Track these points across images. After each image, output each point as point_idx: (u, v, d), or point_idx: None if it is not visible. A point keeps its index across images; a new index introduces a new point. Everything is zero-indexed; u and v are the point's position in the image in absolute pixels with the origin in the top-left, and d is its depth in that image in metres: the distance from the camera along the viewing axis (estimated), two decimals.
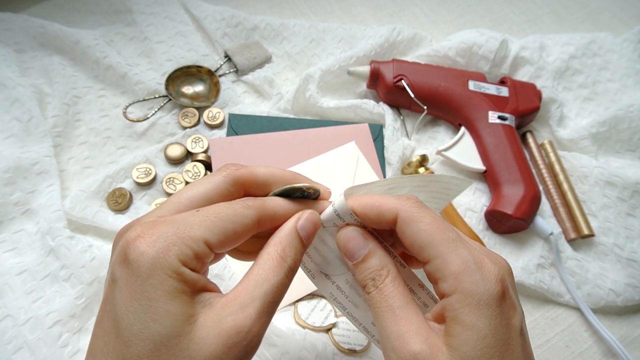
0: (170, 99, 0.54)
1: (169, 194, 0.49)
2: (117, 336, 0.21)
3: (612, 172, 0.52)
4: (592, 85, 0.62)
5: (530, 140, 0.56)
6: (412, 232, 0.25)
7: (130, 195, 0.48)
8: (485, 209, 0.51)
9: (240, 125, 0.53)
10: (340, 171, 0.50)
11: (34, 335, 0.39)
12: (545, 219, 0.51)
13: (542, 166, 0.54)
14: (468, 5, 0.70)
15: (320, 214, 0.28)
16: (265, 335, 0.39)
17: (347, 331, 0.43)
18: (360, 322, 0.29)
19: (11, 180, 0.45)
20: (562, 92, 0.61)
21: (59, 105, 0.51)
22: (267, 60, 0.60)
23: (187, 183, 0.49)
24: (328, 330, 0.43)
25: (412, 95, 0.54)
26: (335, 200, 0.27)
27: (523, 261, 0.48)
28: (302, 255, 0.27)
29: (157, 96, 0.54)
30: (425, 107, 0.54)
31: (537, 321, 0.47)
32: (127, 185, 0.48)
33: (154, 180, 0.49)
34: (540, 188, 0.53)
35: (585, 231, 0.50)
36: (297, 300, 0.44)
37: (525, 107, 0.55)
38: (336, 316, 0.43)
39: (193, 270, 0.22)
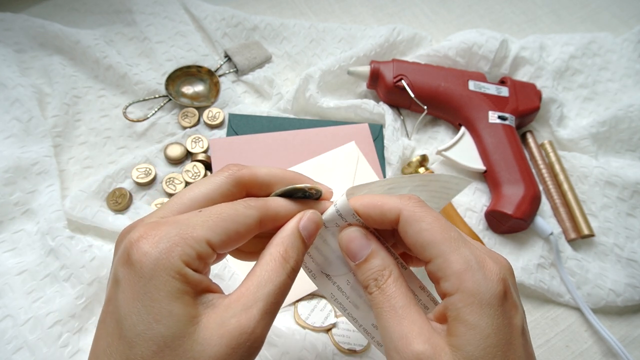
0: (170, 99, 0.54)
1: (169, 194, 0.49)
2: (121, 337, 0.21)
3: (612, 172, 0.52)
4: (592, 85, 0.62)
5: (530, 140, 0.56)
6: (415, 231, 0.25)
7: (130, 195, 0.48)
8: (485, 209, 0.51)
9: (240, 125, 0.53)
10: (340, 171, 0.50)
11: (34, 335, 0.39)
12: (545, 219, 0.51)
13: (542, 166, 0.54)
14: (468, 5, 0.70)
15: (322, 214, 0.28)
16: None
17: (347, 331, 0.43)
18: (360, 324, 0.29)
19: (11, 180, 0.45)
20: (562, 92, 0.61)
21: (59, 105, 0.51)
22: (267, 60, 0.60)
23: (187, 183, 0.49)
24: (328, 330, 0.43)
25: (412, 95, 0.54)
26: (337, 201, 0.27)
27: (523, 261, 0.48)
28: (304, 255, 0.27)
29: (157, 96, 0.54)
30: (425, 107, 0.54)
31: (537, 321, 0.47)
32: (127, 185, 0.48)
33: (154, 180, 0.49)
34: (540, 188, 0.53)
35: (585, 231, 0.50)
36: (297, 300, 0.44)
37: (525, 107, 0.55)
38: (336, 316, 0.43)
39: (196, 270, 0.22)
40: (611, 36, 0.65)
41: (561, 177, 0.53)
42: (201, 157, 0.50)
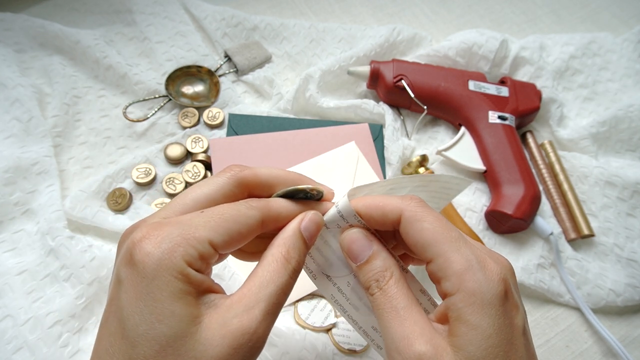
0: (170, 99, 0.54)
1: (169, 194, 0.49)
2: (123, 337, 0.21)
3: (612, 172, 0.52)
4: (592, 85, 0.62)
5: (530, 140, 0.56)
6: (416, 231, 0.25)
7: (130, 195, 0.48)
8: (485, 209, 0.51)
9: (240, 125, 0.53)
10: (340, 171, 0.50)
11: (34, 335, 0.39)
12: (545, 219, 0.51)
13: (542, 166, 0.54)
14: (468, 5, 0.70)
15: (323, 215, 0.28)
16: None
17: (347, 331, 0.43)
18: (360, 326, 0.29)
19: (11, 180, 0.45)
20: (562, 92, 0.61)
21: (59, 105, 0.51)
22: (267, 60, 0.60)
23: (187, 183, 0.49)
24: (328, 330, 0.43)
25: (412, 95, 0.54)
26: (339, 202, 0.27)
27: (523, 261, 0.48)
28: (306, 256, 0.27)
29: (157, 96, 0.54)
30: (425, 107, 0.54)
31: (537, 321, 0.47)
32: (127, 185, 0.48)
33: (154, 180, 0.49)
34: (540, 188, 0.53)
35: (585, 231, 0.50)
36: (297, 300, 0.44)
37: (525, 107, 0.55)
38: (336, 316, 0.43)
39: (198, 271, 0.22)
40: (611, 36, 0.65)
41: (561, 177, 0.53)
42: (201, 157, 0.50)
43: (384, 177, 0.51)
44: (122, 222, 0.45)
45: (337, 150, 0.51)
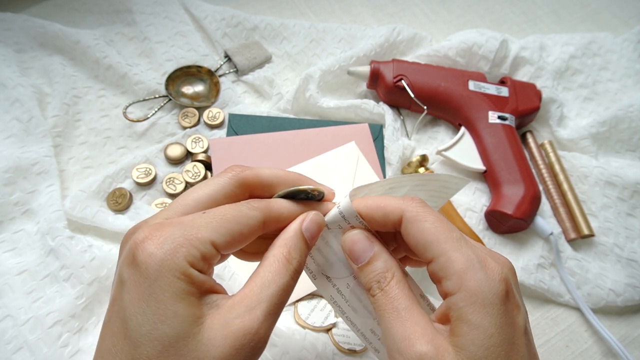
0: (170, 99, 0.54)
1: (169, 194, 0.49)
2: (126, 337, 0.21)
3: (612, 172, 0.52)
4: (592, 85, 0.62)
5: (530, 140, 0.56)
6: (417, 230, 0.25)
7: (130, 195, 0.48)
8: (485, 209, 0.51)
9: (240, 125, 0.53)
10: (340, 171, 0.50)
11: (34, 335, 0.39)
12: (545, 219, 0.51)
13: (542, 166, 0.54)
14: (468, 5, 0.70)
15: (324, 215, 0.28)
16: None
17: (347, 331, 0.43)
18: (358, 328, 0.29)
19: (11, 180, 0.45)
20: (562, 92, 0.61)
21: (59, 105, 0.51)
22: (267, 60, 0.60)
23: (187, 183, 0.49)
24: (328, 330, 0.43)
25: (412, 95, 0.54)
26: (340, 202, 0.27)
27: (523, 261, 0.48)
28: (307, 256, 0.27)
29: (157, 96, 0.54)
30: (425, 107, 0.54)
31: (537, 321, 0.47)
32: (127, 185, 0.48)
33: (154, 180, 0.49)
34: (540, 188, 0.53)
35: (585, 231, 0.50)
36: (297, 300, 0.44)
37: (525, 107, 0.55)
38: (336, 316, 0.43)
39: (200, 271, 0.22)
40: (611, 36, 0.65)
41: (561, 177, 0.53)
42: (201, 157, 0.50)
43: (384, 177, 0.51)
44: (122, 222, 0.45)
45: (337, 150, 0.51)
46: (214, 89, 0.56)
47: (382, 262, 0.26)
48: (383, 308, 0.25)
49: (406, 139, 0.54)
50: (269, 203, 0.26)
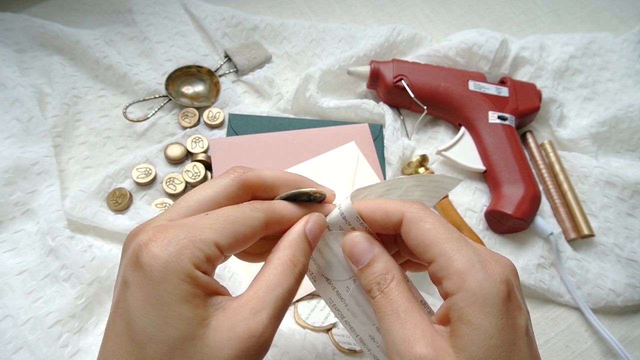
0: (170, 99, 0.54)
1: (169, 194, 0.49)
2: (131, 339, 0.21)
3: (612, 172, 0.52)
4: (592, 85, 0.62)
5: (530, 140, 0.56)
6: (418, 231, 0.25)
7: (130, 195, 0.48)
8: (485, 209, 0.51)
9: (240, 125, 0.53)
10: (340, 171, 0.50)
11: (34, 335, 0.39)
12: (545, 219, 0.51)
13: (542, 166, 0.54)
14: (468, 5, 0.70)
15: (325, 216, 0.28)
16: None
17: None
18: (357, 333, 0.29)
19: (11, 180, 0.45)
20: (562, 92, 0.61)
21: (59, 105, 0.51)
22: (267, 60, 0.60)
23: (187, 183, 0.49)
24: (328, 330, 0.43)
25: (412, 95, 0.54)
26: (342, 204, 0.27)
27: (523, 261, 0.48)
28: (310, 258, 0.27)
29: (157, 96, 0.54)
30: (425, 107, 0.54)
31: (537, 321, 0.47)
32: (127, 185, 0.48)
33: (154, 180, 0.49)
34: (540, 188, 0.53)
35: (585, 231, 0.50)
36: (297, 300, 0.44)
37: (525, 107, 0.55)
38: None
39: (204, 272, 0.23)
40: (611, 36, 0.65)
41: (561, 177, 0.53)
42: (201, 157, 0.50)
43: (384, 177, 0.51)
44: (122, 222, 0.45)
45: (337, 150, 0.51)
46: (214, 89, 0.56)
47: (382, 263, 0.26)
48: (383, 310, 0.25)
49: (406, 139, 0.54)
50: (272, 205, 0.26)
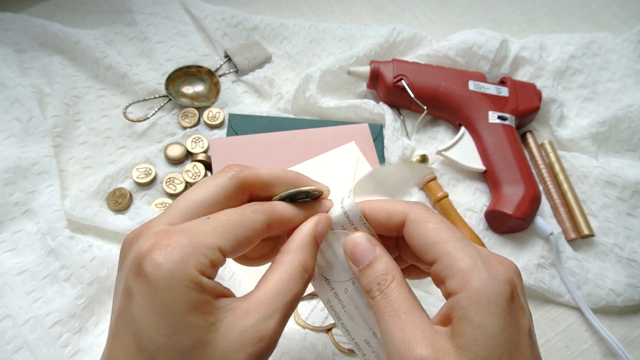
0: (170, 99, 0.54)
1: (169, 194, 0.49)
2: (139, 349, 0.21)
3: (612, 172, 0.52)
4: (592, 85, 0.62)
5: (530, 140, 0.56)
6: (421, 231, 0.25)
7: (130, 195, 0.48)
8: (485, 209, 0.51)
9: (240, 125, 0.53)
10: (340, 171, 0.50)
11: (34, 335, 0.39)
12: (545, 219, 0.51)
13: (542, 166, 0.54)
14: (468, 5, 0.70)
15: (326, 214, 0.28)
16: None
17: None
18: (352, 337, 0.29)
19: (11, 180, 0.45)
20: (562, 92, 0.61)
21: (59, 105, 0.51)
22: (267, 60, 0.60)
23: (187, 183, 0.49)
24: (328, 330, 0.43)
25: (412, 95, 0.54)
26: (345, 203, 0.27)
27: (523, 261, 0.48)
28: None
29: (157, 96, 0.54)
30: (425, 107, 0.54)
31: (537, 321, 0.47)
32: (127, 185, 0.48)
33: (154, 180, 0.49)
34: (540, 188, 0.53)
35: (585, 231, 0.50)
36: None
37: (525, 107, 0.55)
38: None
39: (208, 277, 0.22)
40: (611, 36, 0.65)
41: (561, 177, 0.53)
42: (201, 157, 0.50)
43: None
44: (122, 222, 0.45)
45: (337, 150, 0.51)
46: (214, 89, 0.56)
47: (383, 264, 0.26)
48: (383, 311, 0.25)
49: (406, 139, 0.54)
50: (272, 206, 0.26)
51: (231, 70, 0.58)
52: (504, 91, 0.55)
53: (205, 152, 0.51)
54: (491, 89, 0.55)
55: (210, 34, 0.60)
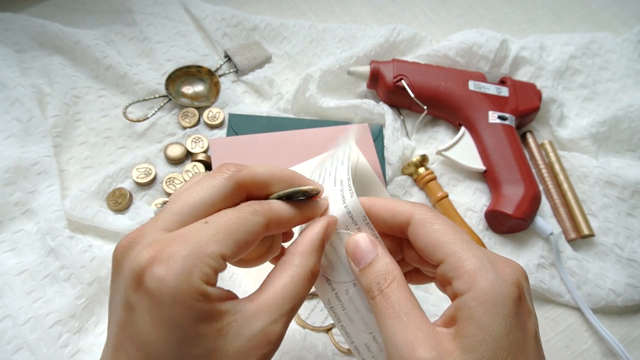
0: (170, 99, 0.54)
1: (169, 194, 0.49)
2: None
3: (612, 172, 0.52)
4: (592, 85, 0.62)
5: (530, 140, 0.56)
6: (427, 232, 0.25)
7: (130, 195, 0.48)
8: (485, 209, 0.51)
9: (240, 125, 0.53)
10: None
11: (34, 335, 0.39)
12: (545, 219, 0.51)
13: (542, 166, 0.54)
14: (468, 5, 0.70)
15: (325, 214, 0.28)
16: None
17: None
18: (352, 340, 0.28)
19: (11, 180, 0.45)
20: (562, 92, 0.61)
21: (59, 105, 0.51)
22: (267, 60, 0.60)
23: None
24: (328, 330, 0.43)
25: (412, 95, 0.54)
26: (349, 202, 0.27)
27: (523, 261, 0.48)
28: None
29: (157, 96, 0.54)
30: (425, 107, 0.54)
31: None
32: (127, 185, 0.48)
33: (154, 180, 0.49)
34: (540, 188, 0.53)
35: (585, 231, 0.50)
36: None
37: (525, 107, 0.55)
38: None
39: (213, 285, 0.22)
40: (611, 36, 0.65)
41: (561, 177, 0.53)
42: (201, 157, 0.50)
43: (384, 178, 0.51)
44: (122, 222, 0.45)
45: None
46: (214, 89, 0.56)
47: (383, 264, 0.26)
48: (384, 312, 0.24)
49: (406, 139, 0.54)
50: (270, 206, 0.26)
51: (231, 70, 0.58)
52: (504, 91, 0.55)
53: (205, 152, 0.51)
54: (491, 89, 0.55)
55: (210, 34, 0.60)
